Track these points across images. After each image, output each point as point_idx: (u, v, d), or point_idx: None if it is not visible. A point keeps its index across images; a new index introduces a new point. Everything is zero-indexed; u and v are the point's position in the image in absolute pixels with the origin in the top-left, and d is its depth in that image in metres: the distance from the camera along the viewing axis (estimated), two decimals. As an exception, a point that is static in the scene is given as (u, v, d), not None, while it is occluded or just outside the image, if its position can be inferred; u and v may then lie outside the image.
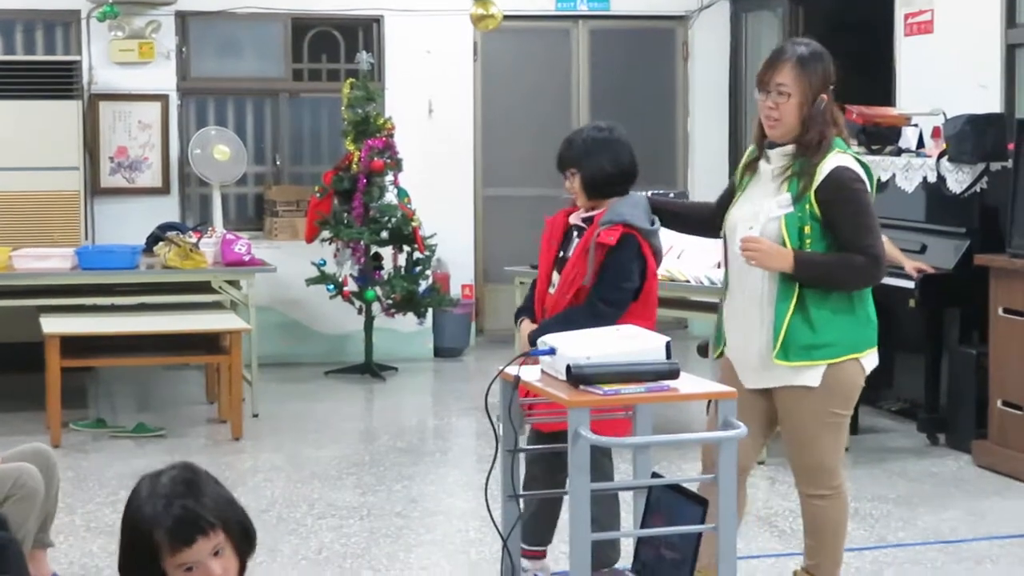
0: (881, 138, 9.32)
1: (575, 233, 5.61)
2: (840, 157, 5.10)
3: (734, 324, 5.31)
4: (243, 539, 3.31)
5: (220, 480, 6.86)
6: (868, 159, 9.03)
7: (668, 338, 4.43)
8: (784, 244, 5.06)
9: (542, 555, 5.79)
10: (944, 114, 8.82)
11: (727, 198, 5.40)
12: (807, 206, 5.05)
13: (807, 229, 5.08)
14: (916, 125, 9.30)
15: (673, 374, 4.30)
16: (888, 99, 10.06)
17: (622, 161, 5.55)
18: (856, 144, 9.34)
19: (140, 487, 3.30)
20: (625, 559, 5.30)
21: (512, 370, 4.45)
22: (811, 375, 5.12)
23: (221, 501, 3.29)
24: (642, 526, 4.38)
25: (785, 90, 5.09)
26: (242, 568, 3.31)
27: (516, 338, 5.72)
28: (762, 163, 5.23)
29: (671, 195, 7.91)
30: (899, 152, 9.20)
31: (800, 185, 5.07)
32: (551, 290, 5.60)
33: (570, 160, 5.57)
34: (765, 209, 5.13)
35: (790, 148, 5.13)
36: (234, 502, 3.35)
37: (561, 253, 5.63)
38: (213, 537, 3.22)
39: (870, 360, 5.25)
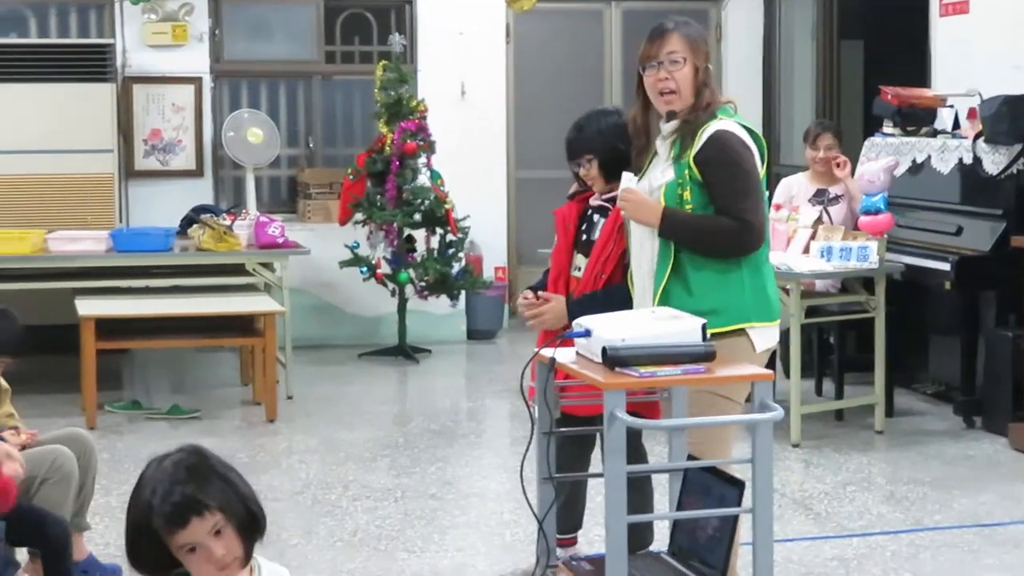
0: (917, 119, 9.27)
1: (596, 215, 5.60)
2: (725, 122, 4.96)
3: (636, 300, 5.14)
4: (247, 521, 3.26)
5: (255, 461, 6.88)
6: (904, 140, 9.09)
7: (704, 320, 4.42)
8: None
9: (573, 542, 5.79)
10: (980, 95, 8.76)
11: None
12: (686, 171, 4.91)
13: (687, 195, 4.91)
14: (952, 106, 9.25)
15: (709, 356, 4.29)
16: (924, 80, 10.01)
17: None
18: (891, 125, 9.31)
19: (146, 471, 3.29)
20: (660, 541, 5.29)
21: (548, 352, 4.44)
22: None
23: (224, 483, 3.26)
24: (678, 509, 4.38)
25: (678, 56, 4.97)
26: (248, 552, 3.28)
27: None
28: (657, 141, 5.11)
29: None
30: (935, 133, 9.16)
31: (680, 146, 4.96)
32: (576, 273, 5.58)
33: (584, 147, 5.55)
34: (654, 178, 5.04)
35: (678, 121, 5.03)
36: (239, 484, 3.30)
37: (584, 236, 5.62)
38: (209, 517, 3.19)
39: (764, 337, 4.98)
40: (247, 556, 3.27)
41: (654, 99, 5.04)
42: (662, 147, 5.08)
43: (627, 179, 5.08)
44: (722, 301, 4.88)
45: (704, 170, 4.90)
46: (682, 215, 4.92)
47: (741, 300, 4.92)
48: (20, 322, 5.67)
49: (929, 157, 9.01)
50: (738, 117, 5.05)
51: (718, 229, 4.89)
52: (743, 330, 4.91)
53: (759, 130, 5.16)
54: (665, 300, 4.88)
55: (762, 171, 5.01)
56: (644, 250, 5.06)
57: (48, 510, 5.42)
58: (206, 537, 3.18)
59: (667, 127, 5.05)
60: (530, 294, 5.52)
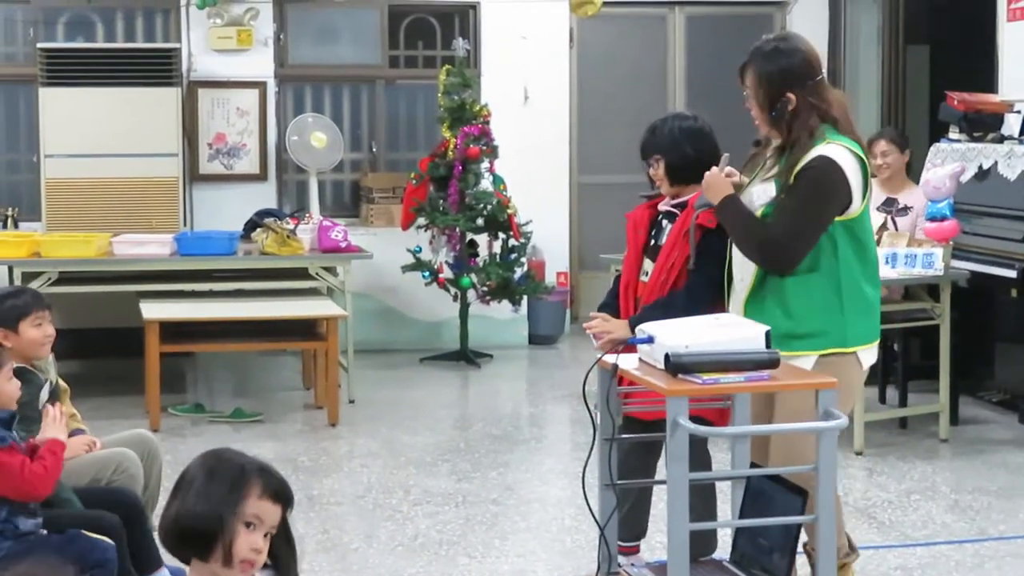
0: (983, 125, 9.20)
1: (665, 220, 5.62)
2: (825, 147, 4.96)
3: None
4: (283, 550, 3.32)
5: (317, 464, 6.94)
6: (971, 146, 9.00)
7: (767, 327, 4.39)
8: None
9: (636, 550, 5.77)
10: (1048, 101, 8.69)
11: None
12: (781, 197, 4.98)
13: None
14: (1019, 112, 9.18)
15: (773, 363, 4.27)
16: (990, 86, 9.92)
17: (705, 148, 5.58)
18: (958, 131, 9.23)
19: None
20: (723, 549, 5.27)
21: (610, 358, 4.43)
22: (800, 364, 4.85)
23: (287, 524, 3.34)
24: (740, 516, 4.36)
25: (747, 92, 5.09)
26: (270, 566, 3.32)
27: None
28: (768, 151, 5.20)
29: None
30: (1001, 139, 9.08)
31: (782, 181, 4.99)
32: (643, 278, 5.59)
33: (655, 147, 5.62)
34: (754, 197, 5.08)
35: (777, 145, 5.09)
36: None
37: (652, 241, 5.63)
38: (282, 516, 3.26)
39: (868, 355, 5.08)
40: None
41: None
42: (771, 161, 5.13)
43: (724, 160, 5.18)
44: (825, 325, 4.92)
45: (793, 183, 4.95)
46: (738, 206, 5.02)
47: (843, 323, 4.96)
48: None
49: (995, 163, 8.93)
50: (841, 138, 5.00)
51: (753, 232, 4.99)
52: (848, 352, 4.98)
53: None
54: (764, 322, 4.84)
55: (862, 199, 4.98)
56: (746, 267, 5.11)
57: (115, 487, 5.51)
58: (268, 525, 3.22)
59: (772, 146, 5.14)
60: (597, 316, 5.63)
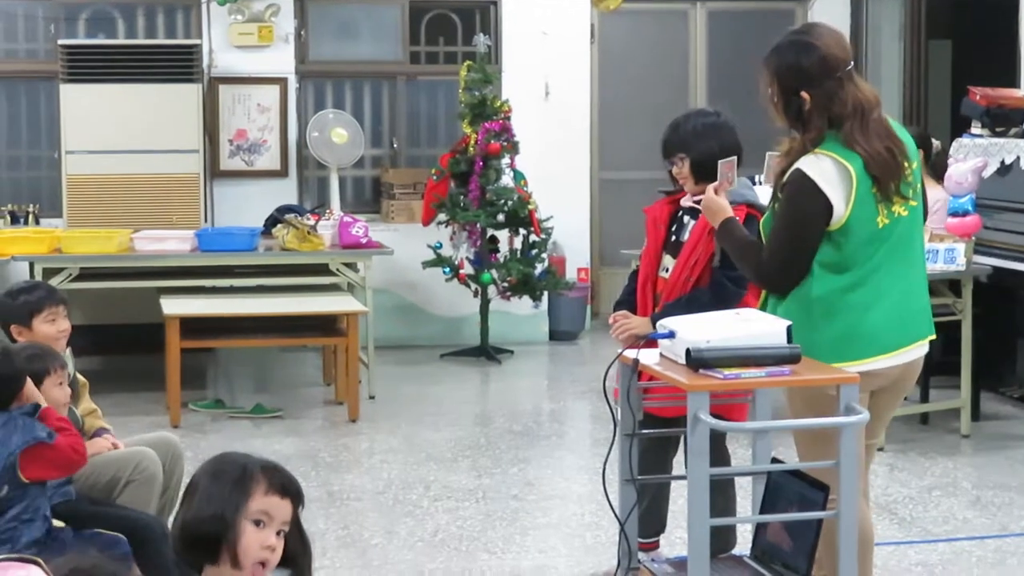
0: (1005, 120, 9.15)
1: (687, 217, 5.59)
2: (804, 160, 4.65)
3: None
4: (297, 549, 3.30)
5: (337, 460, 6.92)
6: (993, 141, 8.96)
7: (789, 322, 4.38)
8: None
9: (655, 546, 5.76)
10: (1071, 95, 8.64)
11: None
12: (774, 206, 4.78)
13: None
14: (1041, 107, 9.12)
15: (794, 358, 4.26)
16: (1013, 80, 9.90)
17: (729, 145, 5.51)
18: (980, 126, 9.20)
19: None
20: (743, 545, 5.25)
21: (631, 353, 4.42)
22: None
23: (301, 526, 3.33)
24: (761, 512, 4.34)
25: (764, 90, 4.84)
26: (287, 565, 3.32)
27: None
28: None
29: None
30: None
31: (774, 189, 4.80)
32: (663, 274, 5.57)
33: (678, 145, 5.56)
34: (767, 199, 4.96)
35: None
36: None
37: (674, 237, 5.60)
38: (293, 513, 3.23)
39: (854, 369, 4.52)
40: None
41: None
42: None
43: (722, 168, 5.07)
44: (794, 339, 4.49)
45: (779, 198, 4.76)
46: (735, 231, 4.90)
47: (812, 340, 4.57)
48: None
49: (1018, 158, 8.88)
50: (833, 146, 4.67)
51: (746, 258, 4.83)
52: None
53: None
54: None
55: (846, 207, 4.62)
56: None
57: (141, 511, 5.46)
58: (279, 522, 3.20)
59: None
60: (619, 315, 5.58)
